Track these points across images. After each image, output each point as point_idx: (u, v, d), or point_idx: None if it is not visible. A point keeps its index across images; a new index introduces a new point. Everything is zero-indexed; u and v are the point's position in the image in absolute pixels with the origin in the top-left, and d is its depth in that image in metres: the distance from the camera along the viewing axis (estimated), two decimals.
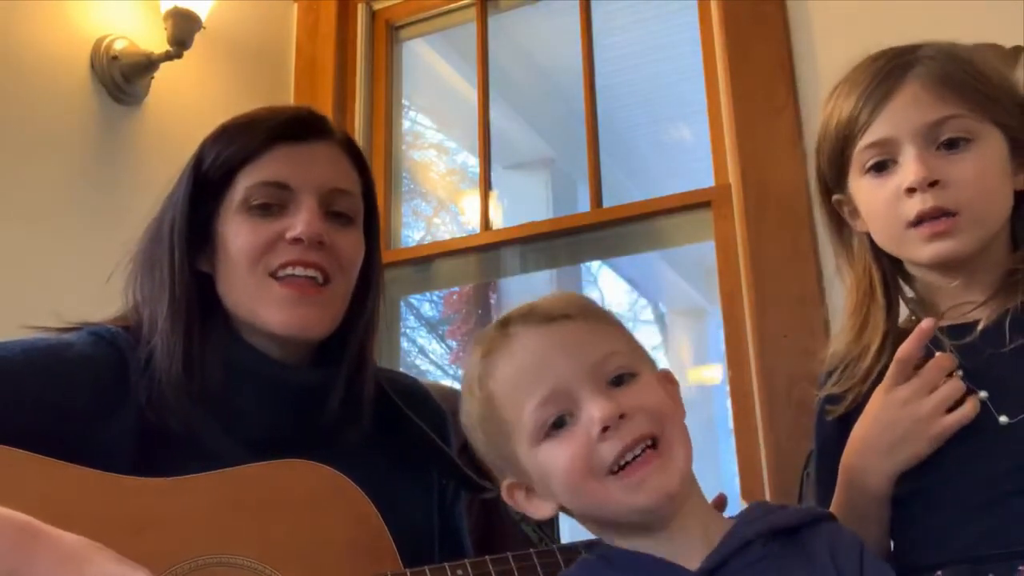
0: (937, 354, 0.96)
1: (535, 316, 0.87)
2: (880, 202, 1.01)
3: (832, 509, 0.99)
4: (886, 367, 0.98)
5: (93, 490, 0.94)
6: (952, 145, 0.98)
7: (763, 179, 1.98)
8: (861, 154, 1.02)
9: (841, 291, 1.13)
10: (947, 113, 0.98)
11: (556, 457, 0.82)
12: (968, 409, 0.93)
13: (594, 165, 2.33)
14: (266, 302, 1.08)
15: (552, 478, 0.84)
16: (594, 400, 0.81)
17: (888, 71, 1.01)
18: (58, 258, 1.88)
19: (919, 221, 0.97)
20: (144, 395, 1.05)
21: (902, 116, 0.99)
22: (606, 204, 2.29)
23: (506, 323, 0.88)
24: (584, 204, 2.42)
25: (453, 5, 2.62)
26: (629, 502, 0.81)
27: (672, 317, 4.40)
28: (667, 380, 0.90)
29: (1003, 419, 0.93)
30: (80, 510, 0.86)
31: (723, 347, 2.02)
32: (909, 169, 0.97)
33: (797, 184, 1.93)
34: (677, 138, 3.54)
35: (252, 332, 1.11)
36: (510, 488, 0.89)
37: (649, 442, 0.81)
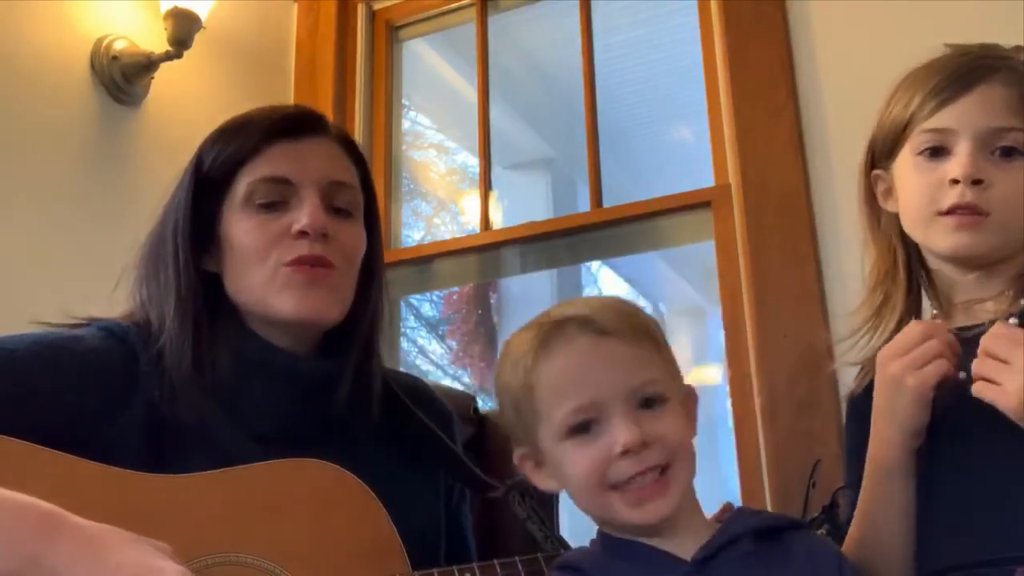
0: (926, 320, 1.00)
1: (593, 326, 0.91)
2: (921, 184, 1.04)
3: (861, 497, 1.01)
4: None
5: (103, 486, 0.94)
6: (1007, 154, 1.01)
7: (763, 179, 1.98)
8: (919, 135, 1.05)
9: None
10: (1012, 124, 1.00)
11: (575, 461, 0.90)
12: (943, 366, 0.93)
13: (594, 165, 2.33)
14: (278, 289, 1.09)
15: (567, 476, 0.92)
16: (624, 423, 0.88)
17: (971, 68, 1.04)
18: (58, 258, 1.88)
19: (951, 212, 1.00)
20: (156, 390, 1.05)
21: (969, 114, 1.02)
22: (606, 204, 2.29)
23: (564, 323, 0.92)
24: (584, 204, 2.41)
25: (453, 5, 2.62)
26: (627, 516, 0.89)
27: (672, 317, 4.40)
28: (690, 399, 0.96)
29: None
30: (89, 506, 0.85)
31: (723, 347, 2.02)
32: (960, 162, 1.00)
33: (797, 184, 1.93)
34: (677, 138, 3.54)
35: (262, 324, 1.12)
36: (522, 457, 0.97)
37: (659, 471, 0.88)
